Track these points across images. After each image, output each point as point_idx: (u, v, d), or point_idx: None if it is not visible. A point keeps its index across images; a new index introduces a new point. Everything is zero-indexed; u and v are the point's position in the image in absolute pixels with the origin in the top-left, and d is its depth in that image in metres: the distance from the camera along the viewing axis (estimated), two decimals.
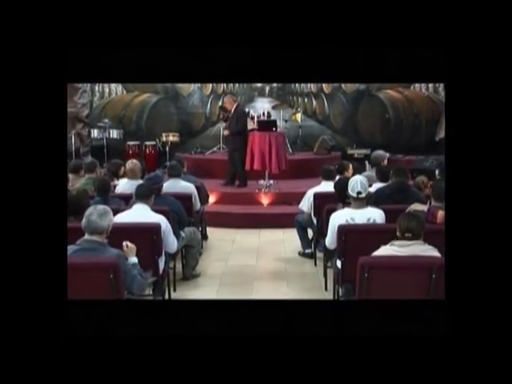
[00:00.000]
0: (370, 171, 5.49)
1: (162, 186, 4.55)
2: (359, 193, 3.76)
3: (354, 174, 4.71)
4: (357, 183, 3.78)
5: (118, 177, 5.40)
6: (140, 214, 3.91)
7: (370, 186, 4.45)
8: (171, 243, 3.96)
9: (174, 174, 5.35)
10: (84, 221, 3.02)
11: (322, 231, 4.54)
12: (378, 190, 4.45)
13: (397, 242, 3.02)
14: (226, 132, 7.51)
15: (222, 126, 8.70)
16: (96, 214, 3.01)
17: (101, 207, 3.08)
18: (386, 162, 5.67)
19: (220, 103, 9.18)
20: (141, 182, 4.63)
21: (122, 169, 5.47)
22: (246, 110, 9.39)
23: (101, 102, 10.09)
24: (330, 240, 3.85)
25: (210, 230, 6.25)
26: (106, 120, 9.09)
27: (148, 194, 4.01)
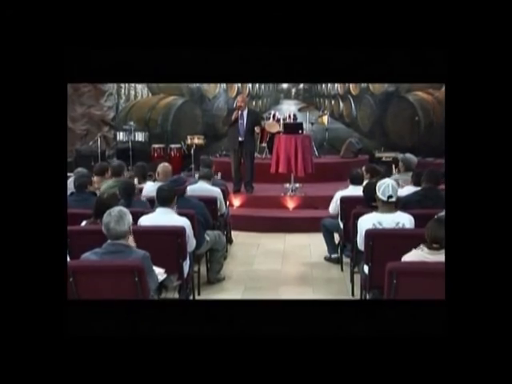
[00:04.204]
0: (399, 175, 5.44)
1: (186, 188, 4.61)
2: (390, 197, 3.74)
3: (382, 178, 4.68)
4: (388, 187, 3.75)
5: (145, 179, 5.52)
6: (163, 217, 3.96)
7: (402, 188, 4.44)
8: (190, 246, 4.01)
9: (204, 176, 5.44)
10: (104, 229, 3.05)
11: (348, 236, 4.52)
12: (408, 197, 4.42)
13: (426, 249, 2.99)
14: (258, 130, 7.36)
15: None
16: (113, 221, 3.02)
17: (115, 212, 3.08)
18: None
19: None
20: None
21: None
22: (272, 112, 9.42)
23: (126, 104, 10.25)
24: (360, 243, 3.83)
25: (234, 234, 6.29)
26: (132, 123, 9.21)
27: (169, 197, 4.04)
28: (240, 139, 7.24)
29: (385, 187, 3.76)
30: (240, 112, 7.15)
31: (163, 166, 5.32)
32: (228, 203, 6.13)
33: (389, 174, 5.31)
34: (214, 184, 5.50)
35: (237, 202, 7.21)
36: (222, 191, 5.44)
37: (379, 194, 3.78)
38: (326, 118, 9.42)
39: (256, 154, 7.97)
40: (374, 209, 3.91)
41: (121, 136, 9.15)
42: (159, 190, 4.13)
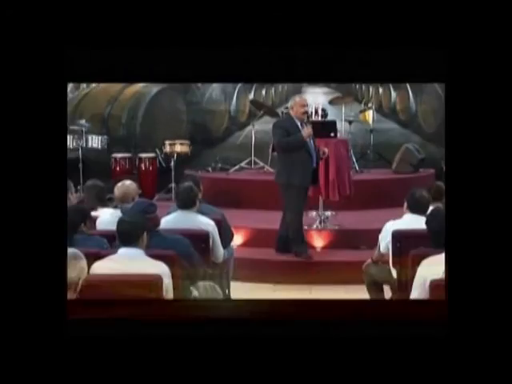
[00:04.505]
0: None
1: (157, 217, 4.58)
2: None
3: None
4: None
5: (103, 205, 5.51)
6: (128, 263, 3.90)
7: None
8: None
9: (184, 203, 5.27)
10: None
11: (405, 289, 4.50)
12: None
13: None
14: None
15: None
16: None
17: (70, 253, 3.38)
18: None
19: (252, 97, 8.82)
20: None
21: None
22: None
23: (75, 94, 10.07)
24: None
25: (235, 286, 6.21)
26: (83, 121, 9.13)
27: (134, 233, 4.02)
28: (314, 166, 6.73)
29: None
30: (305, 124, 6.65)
31: (122, 186, 5.33)
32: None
33: None
34: (202, 212, 5.30)
35: (239, 238, 7.12)
36: (217, 223, 5.27)
37: None
38: (370, 115, 9.39)
39: (267, 168, 8.00)
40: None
41: (67, 141, 9.19)
42: (119, 222, 4.09)
